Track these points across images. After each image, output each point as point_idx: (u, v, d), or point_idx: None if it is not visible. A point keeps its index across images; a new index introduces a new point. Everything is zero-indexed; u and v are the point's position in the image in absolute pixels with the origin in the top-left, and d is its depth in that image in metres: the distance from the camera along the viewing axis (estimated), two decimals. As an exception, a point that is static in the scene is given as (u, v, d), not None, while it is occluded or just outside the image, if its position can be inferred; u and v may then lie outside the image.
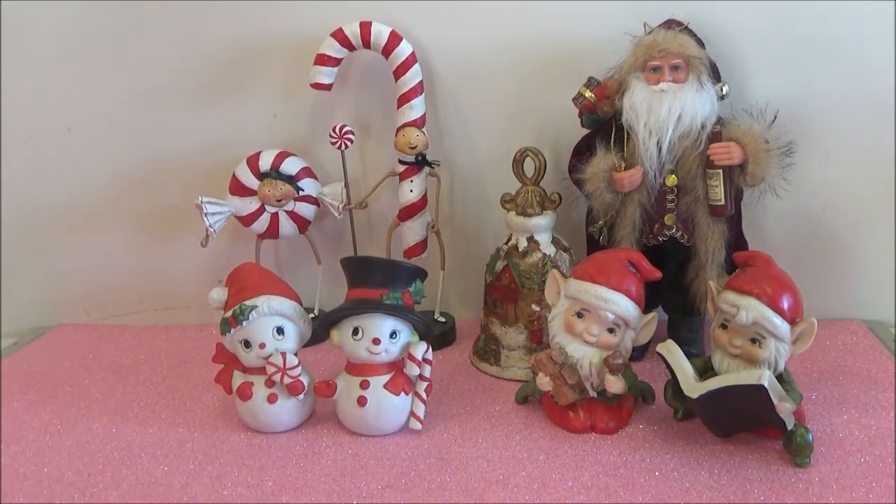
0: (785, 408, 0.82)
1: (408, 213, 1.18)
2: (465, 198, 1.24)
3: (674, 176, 1.00)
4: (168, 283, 1.33)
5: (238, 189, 1.18)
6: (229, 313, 0.93)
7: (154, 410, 1.03)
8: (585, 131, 1.07)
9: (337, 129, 1.14)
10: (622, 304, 0.90)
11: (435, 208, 1.19)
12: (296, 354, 0.94)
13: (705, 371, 0.90)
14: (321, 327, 0.97)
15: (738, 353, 0.86)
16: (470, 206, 1.24)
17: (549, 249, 1.06)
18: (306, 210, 1.20)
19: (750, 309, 0.84)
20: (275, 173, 1.17)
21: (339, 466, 0.88)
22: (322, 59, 1.12)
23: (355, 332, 0.92)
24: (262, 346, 0.92)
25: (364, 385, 0.92)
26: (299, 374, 0.93)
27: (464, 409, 1.00)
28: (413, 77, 1.13)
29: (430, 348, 0.94)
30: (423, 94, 1.14)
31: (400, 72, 1.13)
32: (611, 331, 0.92)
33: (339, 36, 1.11)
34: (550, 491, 0.82)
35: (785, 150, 0.99)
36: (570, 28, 1.13)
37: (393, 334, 0.92)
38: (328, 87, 1.15)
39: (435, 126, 1.19)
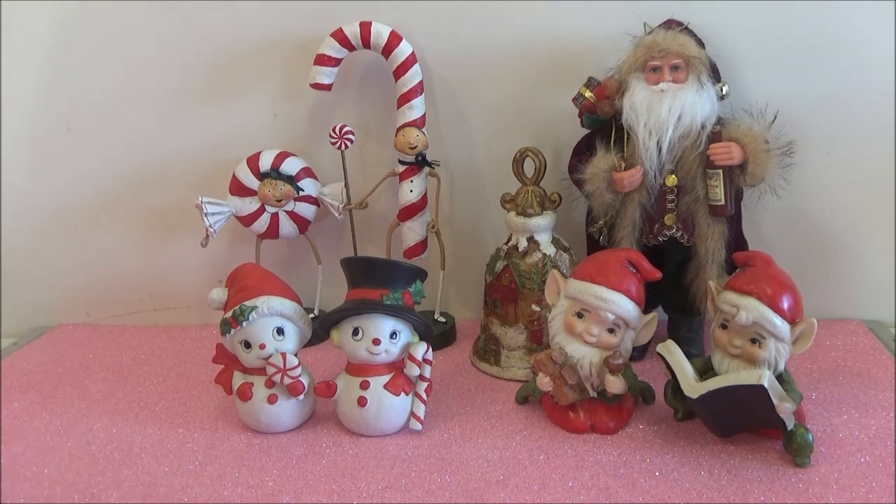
0: (785, 408, 0.82)
1: (408, 213, 1.18)
2: (465, 198, 1.24)
3: (674, 176, 1.00)
4: (168, 283, 1.33)
5: (238, 189, 1.18)
6: (229, 314, 0.93)
7: (154, 410, 1.03)
8: (585, 131, 1.07)
9: (337, 129, 1.14)
10: (622, 305, 0.90)
11: (435, 208, 1.19)
12: (296, 355, 0.94)
13: (705, 371, 0.90)
14: (321, 328, 0.97)
15: (738, 354, 0.86)
16: (470, 206, 1.24)
17: (549, 249, 1.06)
18: (306, 210, 1.20)
19: (750, 309, 0.84)
20: (275, 173, 1.17)
21: (340, 467, 0.88)
22: (322, 59, 1.12)
23: (355, 332, 0.92)
24: (263, 346, 0.92)
25: (364, 385, 0.92)
26: (299, 375, 0.93)
27: (464, 409, 1.00)
28: (413, 77, 1.13)
29: (430, 348, 0.94)
30: (423, 94, 1.14)
31: (400, 72, 1.13)
32: (611, 331, 0.92)
33: (339, 36, 1.11)
34: (550, 491, 0.82)
35: (785, 150, 0.99)
36: (570, 28, 1.13)
37: (393, 335, 0.92)
38: (328, 87, 1.15)
39: (435, 126, 1.19)
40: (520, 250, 1.06)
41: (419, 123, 1.14)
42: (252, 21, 1.18)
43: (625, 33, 1.04)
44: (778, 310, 0.84)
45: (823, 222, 1.18)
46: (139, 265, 1.32)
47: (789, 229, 1.18)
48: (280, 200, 1.17)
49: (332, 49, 1.12)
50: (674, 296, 1.07)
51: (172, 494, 0.84)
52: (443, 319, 1.23)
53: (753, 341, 0.85)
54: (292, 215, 1.19)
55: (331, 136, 1.14)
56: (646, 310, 0.94)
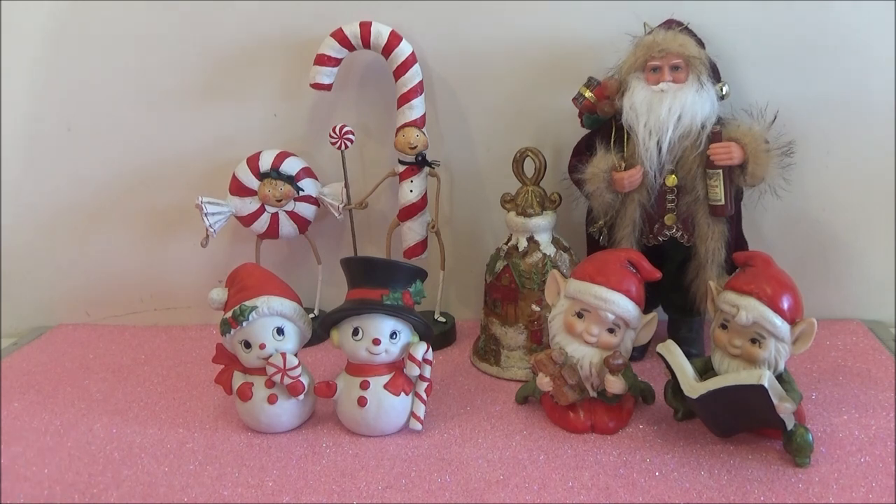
0: (785, 408, 0.82)
1: (408, 213, 1.18)
2: (465, 198, 1.24)
3: (674, 176, 1.00)
4: (168, 283, 1.33)
5: (238, 189, 1.18)
6: (229, 314, 0.93)
7: (154, 410, 1.03)
8: (585, 131, 1.07)
9: (337, 129, 1.14)
10: (622, 305, 0.90)
11: (435, 208, 1.19)
12: (296, 355, 0.94)
13: (705, 371, 0.90)
14: (321, 327, 0.97)
15: (738, 354, 0.86)
16: (470, 206, 1.24)
17: (549, 249, 1.06)
18: (306, 210, 1.20)
19: (750, 309, 0.84)
20: (275, 173, 1.17)
21: (340, 467, 0.88)
22: (322, 59, 1.12)
23: (355, 332, 0.92)
24: (263, 346, 0.92)
25: (364, 385, 0.92)
26: (299, 375, 0.93)
27: (464, 409, 1.00)
28: (413, 77, 1.13)
29: (430, 348, 0.94)
30: (423, 94, 1.14)
31: (400, 72, 1.13)
32: (611, 331, 0.92)
33: (339, 36, 1.11)
34: (550, 491, 0.82)
35: (785, 150, 0.99)
36: (570, 28, 1.13)
37: (393, 335, 0.92)
38: (328, 87, 1.15)
39: (435, 126, 1.19)
40: (520, 250, 1.06)
41: (419, 123, 1.14)
42: (252, 21, 1.18)
43: (625, 33, 1.04)
44: (778, 310, 0.84)
45: (823, 222, 1.18)
46: (139, 265, 1.32)
47: (789, 229, 1.18)
48: (280, 200, 1.17)
49: (332, 49, 1.12)
50: (674, 296, 1.07)
51: (172, 494, 0.84)
52: (443, 319, 1.23)
53: (753, 341, 0.85)
54: (292, 215, 1.19)
55: (331, 136, 1.14)
56: (646, 310, 0.94)
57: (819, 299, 1.15)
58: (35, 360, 1.21)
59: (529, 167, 1.08)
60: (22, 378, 1.15)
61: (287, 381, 0.93)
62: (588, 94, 1.04)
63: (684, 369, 0.88)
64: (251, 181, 1.17)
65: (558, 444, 0.91)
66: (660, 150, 0.97)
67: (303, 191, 1.18)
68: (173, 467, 0.90)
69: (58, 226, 1.31)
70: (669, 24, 1.02)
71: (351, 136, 1.14)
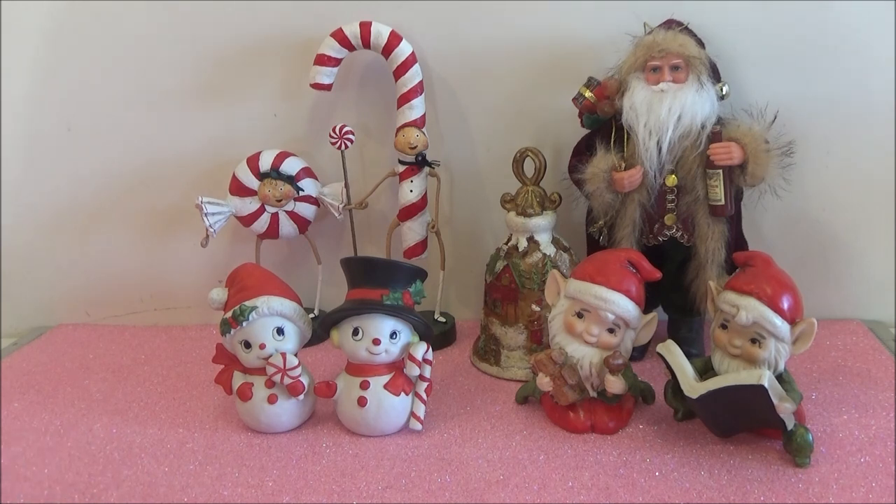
0: (785, 408, 0.82)
1: (408, 213, 1.18)
2: (465, 198, 1.24)
3: (674, 176, 1.00)
4: (168, 283, 1.33)
5: (238, 189, 1.18)
6: (229, 314, 0.93)
7: (154, 410, 1.03)
8: (585, 131, 1.08)
9: (337, 129, 1.14)
10: (622, 305, 0.90)
11: (435, 208, 1.19)
12: (296, 355, 0.94)
13: (705, 371, 0.90)
14: (321, 327, 0.97)
15: (738, 354, 0.86)
16: (470, 206, 1.24)
17: (549, 249, 1.06)
18: (306, 210, 1.20)
19: (750, 309, 0.84)
20: (275, 173, 1.17)
21: (340, 467, 0.88)
22: (322, 59, 1.12)
23: (355, 332, 0.92)
24: (263, 346, 0.92)
25: (364, 385, 0.92)
26: (299, 375, 0.93)
27: (464, 409, 1.00)
28: (413, 77, 1.13)
29: (431, 348, 0.94)
30: (423, 94, 1.14)
31: (400, 72, 1.13)
32: (611, 331, 0.92)
33: (339, 36, 1.11)
34: (550, 491, 0.82)
35: (785, 150, 0.99)
36: (570, 28, 1.13)
37: (393, 335, 0.92)
38: (328, 87, 1.15)
39: (435, 126, 1.19)
40: (520, 250, 1.06)
41: (419, 123, 1.14)
42: (252, 21, 1.18)
43: (625, 33, 1.04)
44: (778, 310, 0.84)
45: (823, 222, 1.18)
46: (139, 265, 1.32)
47: (789, 229, 1.18)
48: (280, 200, 1.17)
49: (332, 49, 1.12)
50: (674, 296, 1.07)
51: (172, 494, 0.85)
52: (443, 319, 1.23)
53: (753, 341, 0.85)
54: (292, 215, 1.19)
55: (331, 136, 1.14)
56: (646, 310, 0.94)
57: (819, 299, 1.15)
58: (35, 360, 1.21)
59: (529, 167, 1.08)
60: (22, 378, 1.15)
61: (287, 381, 0.93)
62: (588, 94, 1.04)
63: (684, 369, 0.88)
64: (251, 181, 1.17)
65: (558, 444, 0.91)
66: (660, 150, 0.97)
67: (303, 191, 1.18)
68: (173, 467, 0.90)
69: (58, 226, 1.31)
70: (669, 24, 1.02)
71: (351, 136, 1.14)
